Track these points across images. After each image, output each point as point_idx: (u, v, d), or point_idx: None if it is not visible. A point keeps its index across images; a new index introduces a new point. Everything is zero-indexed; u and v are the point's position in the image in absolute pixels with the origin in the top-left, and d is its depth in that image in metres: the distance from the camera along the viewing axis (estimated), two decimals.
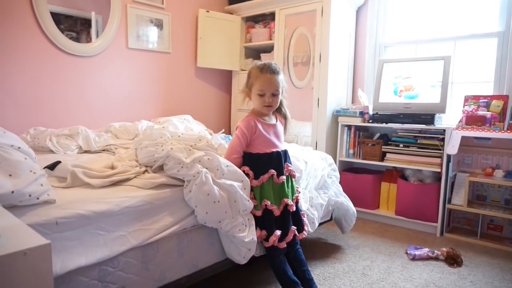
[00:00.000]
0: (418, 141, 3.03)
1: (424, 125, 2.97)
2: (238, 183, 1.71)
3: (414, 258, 2.43)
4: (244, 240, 1.69)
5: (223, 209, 1.64)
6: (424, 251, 2.48)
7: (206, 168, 1.66)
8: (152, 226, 1.49)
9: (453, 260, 2.38)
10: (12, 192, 1.16)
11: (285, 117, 2.00)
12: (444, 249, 2.46)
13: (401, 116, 3.07)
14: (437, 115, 2.95)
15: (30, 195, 1.21)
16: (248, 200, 1.73)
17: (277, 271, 1.82)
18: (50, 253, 0.77)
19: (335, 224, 2.69)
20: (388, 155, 3.15)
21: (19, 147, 1.36)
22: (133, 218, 1.45)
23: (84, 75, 3.03)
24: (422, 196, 2.96)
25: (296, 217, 1.93)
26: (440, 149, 2.89)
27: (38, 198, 1.24)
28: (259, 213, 1.80)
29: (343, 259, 2.45)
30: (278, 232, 1.79)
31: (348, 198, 2.56)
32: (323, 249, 2.60)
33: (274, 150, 1.88)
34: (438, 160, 2.90)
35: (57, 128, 2.54)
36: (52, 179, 1.52)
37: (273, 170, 1.83)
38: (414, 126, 3.02)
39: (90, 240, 1.31)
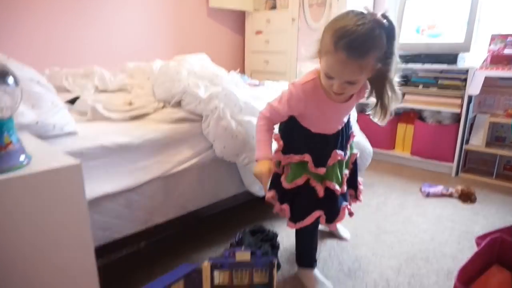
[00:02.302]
0: (439, 82, 2.94)
1: (446, 65, 2.86)
2: (256, 119, 1.71)
3: (428, 195, 2.47)
4: None
5: (241, 144, 1.65)
6: (439, 188, 2.51)
7: (223, 104, 1.65)
8: (173, 159, 1.53)
9: (467, 197, 2.41)
10: (37, 122, 1.19)
11: (381, 107, 1.31)
12: (459, 187, 2.48)
13: (423, 56, 2.95)
14: (460, 55, 2.83)
15: (54, 126, 1.24)
16: None
17: (298, 236, 1.59)
18: (81, 173, 0.81)
19: None
20: (406, 96, 3.08)
21: (38, 81, 1.37)
22: (154, 150, 1.48)
23: (98, 14, 2.98)
24: (439, 137, 2.93)
25: (352, 182, 1.60)
26: (461, 90, 2.81)
27: (62, 129, 1.27)
28: (288, 185, 1.42)
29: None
30: (317, 213, 1.43)
31: (365, 137, 2.55)
32: None
33: (325, 132, 1.42)
34: (458, 101, 2.83)
35: (71, 69, 2.54)
36: (72, 113, 1.54)
37: (308, 157, 1.40)
38: (436, 67, 2.91)
39: (115, 170, 1.36)
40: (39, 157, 0.81)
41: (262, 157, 1.35)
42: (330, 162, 1.44)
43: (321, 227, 1.66)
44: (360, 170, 2.59)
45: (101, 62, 2.98)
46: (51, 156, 0.84)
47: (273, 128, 1.42)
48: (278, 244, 1.81)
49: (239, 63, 4.13)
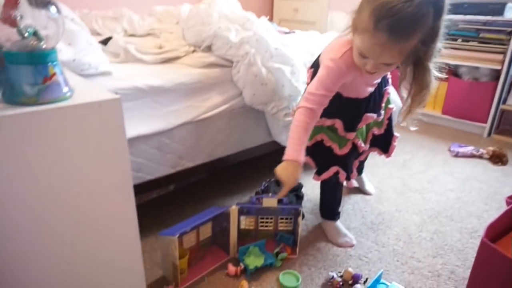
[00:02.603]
0: (480, 35, 2.75)
1: (490, 16, 2.65)
2: (287, 67, 1.66)
3: (457, 155, 2.42)
4: (291, 124, 1.71)
5: (270, 92, 1.63)
6: (468, 149, 2.44)
7: (254, 49, 1.61)
8: (203, 104, 1.53)
9: (498, 159, 2.34)
10: (74, 60, 1.20)
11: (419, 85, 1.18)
12: (490, 148, 2.41)
13: (465, 5, 2.74)
14: (508, 5, 2.61)
15: (89, 65, 1.24)
16: (296, 87, 1.70)
17: (323, 189, 1.61)
18: (121, 107, 0.81)
19: None
20: (442, 51, 2.91)
21: (73, 19, 1.36)
22: (185, 94, 1.48)
23: None
24: (474, 95, 2.80)
25: (385, 138, 1.56)
26: (504, 45, 2.62)
27: (96, 69, 1.27)
28: (308, 142, 1.35)
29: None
30: (334, 169, 1.41)
31: (396, 92, 2.47)
32: None
33: (358, 97, 1.36)
34: (500, 57, 2.66)
35: (100, 11, 2.50)
36: (105, 54, 1.54)
37: (339, 123, 1.37)
38: (479, 18, 2.71)
39: (148, 112, 1.37)
40: (79, 91, 0.81)
41: (293, 158, 1.21)
42: (361, 125, 1.42)
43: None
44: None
45: (129, 4, 2.92)
46: (91, 91, 0.85)
47: (312, 127, 1.26)
48: (303, 195, 1.83)
49: (267, 11, 3.97)
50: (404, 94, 1.22)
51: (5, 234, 0.74)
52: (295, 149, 1.22)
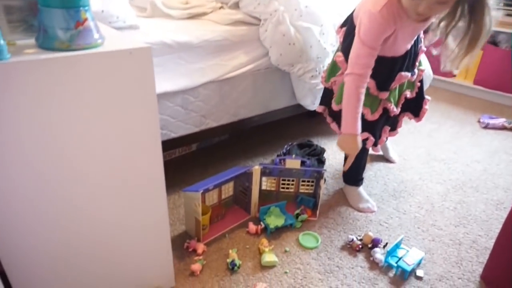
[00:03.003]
0: None
1: None
2: (316, 27, 1.60)
3: (486, 127, 2.33)
4: (316, 87, 1.68)
5: (298, 53, 1.58)
6: (500, 120, 2.35)
7: (283, 7, 1.55)
8: (228, 63, 1.50)
9: None
10: (102, 11, 1.18)
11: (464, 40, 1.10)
12: None
13: None
14: None
15: (117, 17, 1.23)
16: (325, 48, 1.65)
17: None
18: (151, 56, 0.80)
19: None
20: None
21: None
22: (211, 52, 1.45)
23: None
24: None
25: (416, 101, 1.51)
26: None
27: (124, 22, 1.26)
28: (336, 107, 1.39)
29: (410, 121, 2.40)
30: (365, 135, 1.38)
31: (426, 59, 2.36)
32: None
33: (394, 55, 1.30)
34: None
35: None
36: (132, 8, 1.52)
37: (372, 83, 1.30)
38: None
39: (173, 69, 1.36)
40: (110, 40, 0.81)
41: (350, 132, 1.25)
42: (395, 85, 1.36)
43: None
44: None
45: None
46: (122, 40, 0.84)
47: (364, 91, 1.23)
48: (325, 160, 1.82)
49: None
50: (451, 41, 1.13)
51: (37, 174, 0.76)
52: (351, 122, 1.23)
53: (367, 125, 1.37)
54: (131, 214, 0.94)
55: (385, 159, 1.92)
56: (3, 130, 0.68)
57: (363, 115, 1.33)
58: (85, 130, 0.78)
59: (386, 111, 1.39)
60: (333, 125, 1.51)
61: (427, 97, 1.52)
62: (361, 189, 1.60)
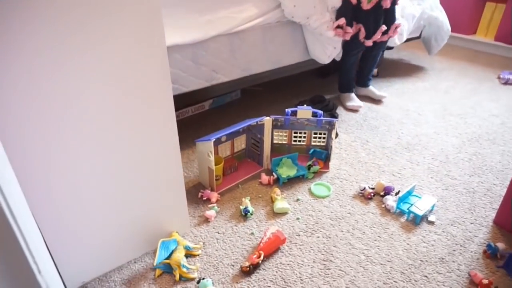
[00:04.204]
0: None
1: None
2: None
3: (506, 82, 2.26)
4: (332, 37, 1.66)
5: (312, 3, 1.55)
6: None
7: None
8: (238, 15, 1.48)
9: None
10: None
11: None
12: None
13: None
14: None
15: None
16: None
17: (344, 67, 1.91)
18: (159, 4, 0.80)
19: (421, 45, 2.49)
20: None
21: None
22: (221, 3, 1.44)
23: None
24: None
25: (388, 17, 1.79)
26: None
27: None
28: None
29: (425, 78, 2.35)
30: (357, 27, 1.68)
31: (445, 13, 2.28)
32: (405, 69, 2.50)
33: None
34: None
35: None
36: None
37: None
38: None
39: (182, 22, 1.36)
40: None
41: None
42: None
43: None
44: (432, 53, 2.36)
45: None
46: None
47: None
48: (337, 115, 1.81)
49: None
50: None
51: (51, 114, 0.78)
52: None
53: (360, 17, 1.69)
54: (146, 165, 0.96)
55: (375, 99, 2.03)
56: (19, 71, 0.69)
57: (360, 3, 1.64)
58: (98, 82, 0.79)
59: (379, 5, 1.68)
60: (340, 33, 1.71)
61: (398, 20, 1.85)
62: (352, 94, 1.97)
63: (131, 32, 0.80)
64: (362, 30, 1.72)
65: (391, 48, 2.29)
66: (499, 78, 2.32)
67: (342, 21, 1.68)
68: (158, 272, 1.02)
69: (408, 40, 2.20)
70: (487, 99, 2.07)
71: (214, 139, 1.24)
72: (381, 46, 1.87)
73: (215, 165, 1.30)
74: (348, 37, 1.72)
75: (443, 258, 1.08)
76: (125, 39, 0.80)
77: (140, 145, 0.93)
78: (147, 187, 1.00)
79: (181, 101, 1.52)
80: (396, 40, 1.96)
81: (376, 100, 2.03)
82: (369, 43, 1.75)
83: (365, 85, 2.02)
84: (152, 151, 0.96)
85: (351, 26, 1.69)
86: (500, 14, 2.72)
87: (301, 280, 1.01)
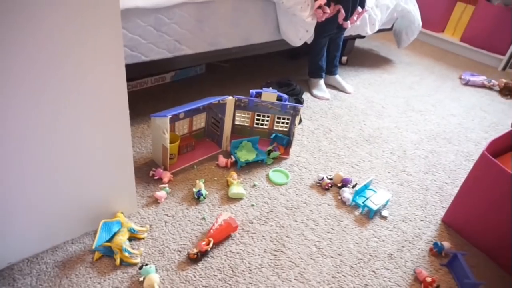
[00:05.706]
0: None
1: None
2: None
3: (467, 83, 2.32)
4: (305, 20, 1.59)
5: None
6: (480, 78, 2.34)
7: None
8: None
9: (508, 92, 2.26)
10: None
11: None
12: (503, 80, 2.31)
13: None
14: None
15: None
16: None
17: (315, 50, 1.88)
18: None
19: (391, 37, 2.49)
20: None
21: None
22: None
23: None
24: (501, 22, 2.60)
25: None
26: None
27: None
28: None
29: (392, 71, 2.36)
30: (336, 7, 1.67)
31: (418, 8, 2.27)
32: (374, 60, 2.50)
33: None
34: None
35: None
36: None
37: None
38: None
39: None
40: None
41: None
42: None
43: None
44: (401, 46, 2.37)
45: None
46: None
47: None
48: (303, 100, 1.77)
49: None
50: None
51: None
52: None
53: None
54: (90, 136, 0.86)
55: (342, 91, 2.02)
56: None
57: None
58: (36, 40, 0.68)
59: None
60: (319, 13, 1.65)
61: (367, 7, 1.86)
62: (322, 81, 1.93)
63: None
64: (342, 11, 1.69)
65: (362, 37, 2.26)
66: (460, 78, 2.38)
67: (323, 1, 1.61)
68: (97, 255, 0.94)
69: (379, 30, 2.18)
70: (448, 97, 2.12)
71: (170, 116, 1.15)
72: (343, 30, 1.87)
73: (170, 143, 1.22)
74: (324, 18, 1.66)
75: (391, 254, 1.09)
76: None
77: (85, 113, 0.82)
78: (90, 161, 0.90)
79: (140, 70, 1.40)
80: (368, 29, 1.94)
81: None
82: (346, 25, 1.74)
83: (332, 73, 1.99)
84: (98, 121, 0.86)
85: (329, 6, 1.65)
86: (468, 15, 2.78)
87: (250, 270, 0.98)
